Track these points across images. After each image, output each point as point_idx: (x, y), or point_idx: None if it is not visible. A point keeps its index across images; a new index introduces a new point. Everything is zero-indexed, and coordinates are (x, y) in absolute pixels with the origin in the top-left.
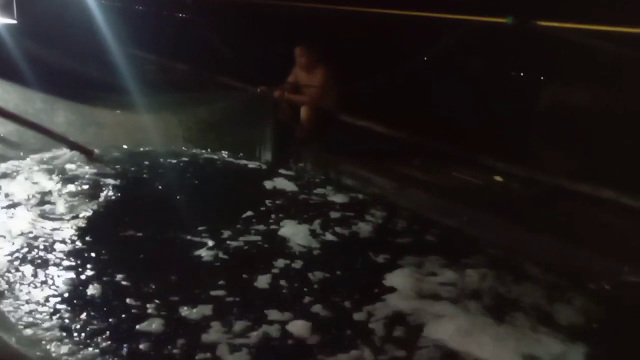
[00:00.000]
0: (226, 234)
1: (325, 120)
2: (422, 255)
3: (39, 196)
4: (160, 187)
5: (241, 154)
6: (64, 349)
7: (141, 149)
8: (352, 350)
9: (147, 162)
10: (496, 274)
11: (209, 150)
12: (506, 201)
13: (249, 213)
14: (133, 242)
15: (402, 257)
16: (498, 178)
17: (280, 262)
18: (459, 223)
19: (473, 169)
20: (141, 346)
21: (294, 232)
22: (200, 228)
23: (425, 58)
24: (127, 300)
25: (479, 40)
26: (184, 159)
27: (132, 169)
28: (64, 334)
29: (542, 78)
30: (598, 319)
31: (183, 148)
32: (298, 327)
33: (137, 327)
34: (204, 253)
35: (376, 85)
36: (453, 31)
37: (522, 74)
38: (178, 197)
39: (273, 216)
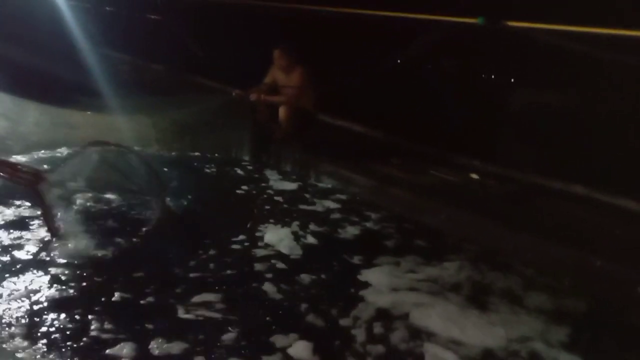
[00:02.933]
0: (204, 237)
1: (304, 121)
2: (401, 253)
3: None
4: (132, 189)
5: (218, 156)
6: None
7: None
8: (340, 347)
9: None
10: (474, 268)
11: (184, 152)
12: (483, 199)
13: (228, 215)
14: (106, 247)
15: (381, 256)
16: (474, 176)
17: (261, 265)
18: (438, 221)
19: (450, 168)
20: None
21: (274, 233)
22: (176, 231)
23: (401, 59)
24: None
25: (453, 40)
26: (159, 161)
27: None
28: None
29: (514, 79)
30: (573, 308)
31: (157, 151)
32: (284, 333)
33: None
34: (180, 257)
35: (354, 85)
36: (427, 31)
37: (495, 75)
38: (151, 200)
39: (253, 218)
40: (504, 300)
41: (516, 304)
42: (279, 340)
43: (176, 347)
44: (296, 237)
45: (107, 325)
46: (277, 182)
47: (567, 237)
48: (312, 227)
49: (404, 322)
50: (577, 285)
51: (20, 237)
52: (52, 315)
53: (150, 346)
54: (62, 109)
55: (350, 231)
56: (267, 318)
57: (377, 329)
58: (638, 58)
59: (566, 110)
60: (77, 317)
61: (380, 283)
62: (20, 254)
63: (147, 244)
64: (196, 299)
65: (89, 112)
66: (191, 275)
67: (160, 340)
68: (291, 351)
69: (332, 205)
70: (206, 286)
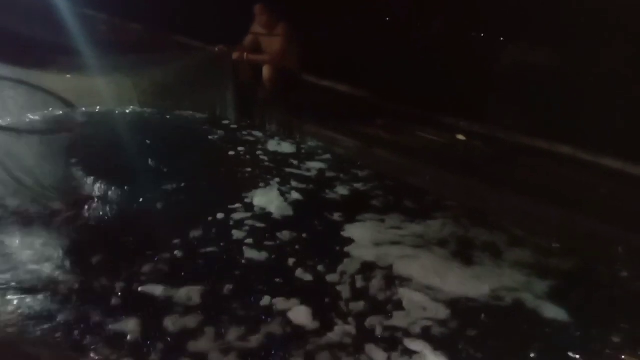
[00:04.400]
0: (189, 199)
1: (288, 81)
2: (386, 211)
3: None
4: (116, 150)
5: (201, 117)
6: None
7: (97, 110)
8: (327, 301)
9: (102, 126)
10: (459, 225)
11: (166, 113)
12: (468, 159)
13: (213, 177)
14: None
15: (366, 214)
16: (461, 137)
17: (247, 227)
18: (423, 181)
19: (436, 129)
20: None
21: (259, 194)
22: (161, 193)
23: (387, 17)
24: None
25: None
26: (141, 122)
27: (88, 133)
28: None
29: (501, 38)
30: (557, 264)
31: (138, 111)
32: (272, 290)
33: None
34: (165, 217)
35: (339, 43)
36: None
37: (482, 34)
38: (136, 162)
39: (239, 180)
40: (488, 255)
41: (500, 259)
42: (266, 297)
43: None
44: (284, 198)
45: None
46: (262, 143)
47: (552, 196)
48: (299, 187)
49: (388, 273)
50: (561, 242)
51: None
52: None
53: (140, 312)
54: (40, 71)
55: (336, 191)
56: (255, 276)
57: (362, 281)
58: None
59: (553, 70)
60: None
61: (365, 239)
62: None
63: (125, 197)
64: (184, 262)
65: (67, 75)
66: (176, 239)
67: (152, 310)
68: (280, 306)
69: (317, 165)
70: (194, 249)
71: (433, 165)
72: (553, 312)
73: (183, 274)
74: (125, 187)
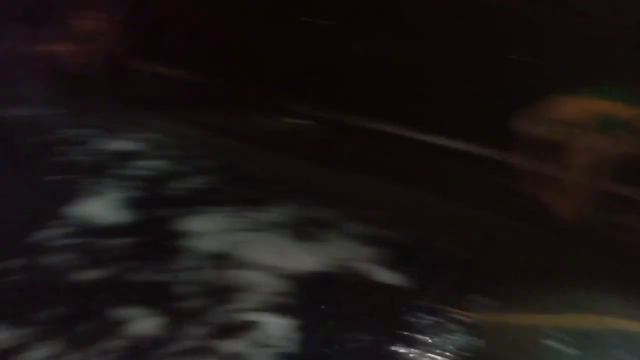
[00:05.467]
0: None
1: (111, 68)
2: (229, 200)
3: None
4: None
5: (16, 110)
6: None
7: None
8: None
9: None
10: (300, 207)
11: None
12: (307, 142)
13: (27, 189)
14: None
15: (209, 206)
16: (301, 121)
17: (63, 228)
18: (264, 167)
19: (278, 115)
20: None
21: (90, 203)
22: None
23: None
24: None
25: None
26: None
27: None
28: None
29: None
30: (390, 235)
31: None
32: (119, 305)
33: None
34: None
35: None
36: None
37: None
38: None
39: (62, 185)
40: (330, 231)
41: (341, 233)
42: (107, 307)
43: None
44: (117, 202)
45: None
46: (88, 140)
47: (386, 172)
48: (133, 186)
49: (232, 260)
50: (394, 214)
51: None
52: None
53: None
54: None
55: (175, 184)
56: (95, 294)
57: (207, 271)
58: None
59: (395, 58)
60: None
61: (208, 230)
62: None
63: None
64: None
65: None
66: None
67: None
68: (127, 318)
69: (152, 155)
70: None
71: (274, 150)
72: (387, 277)
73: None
74: None
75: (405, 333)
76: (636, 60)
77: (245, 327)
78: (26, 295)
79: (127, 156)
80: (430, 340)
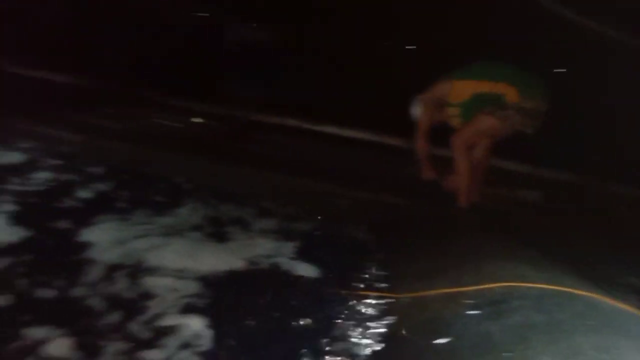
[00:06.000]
0: None
1: None
2: (127, 207)
3: None
4: None
5: None
6: None
7: None
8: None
9: None
10: (207, 207)
11: None
12: (206, 140)
13: None
14: None
15: (107, 215)
16: (197, 119)
17: None
18: (163, 169)
19: (170, 113)
20: None
21: None
22: None
23: None
24: None
25: None
26: None
27: None
28: None
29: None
30: (299, 227)
31: None
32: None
33: None
34: None
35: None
36: None
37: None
38: None
39: None
40: (238, 229)
41: (249, 230)
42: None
43: None
44: (6, 219)
45: None
46: None
47: (287, 165)
48: (22, 201)
49: (137, 269)
50: (299, 206)
51: None
52: None
53: None
54: None
55: (65, 195)
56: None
57: (113, 284)
58: None
59: (277, 48)
60: None
61: (107, 241)
62: None
63: None
64: None
65: None
66: None
67: None
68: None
69: (41, 171)
70: None
71: (172, 150)
72: (303, 268)
73: None
74: None
75: (324, 322)
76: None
77: (164, 333)
78: None
79: (10, 169)
80: (350, 327)
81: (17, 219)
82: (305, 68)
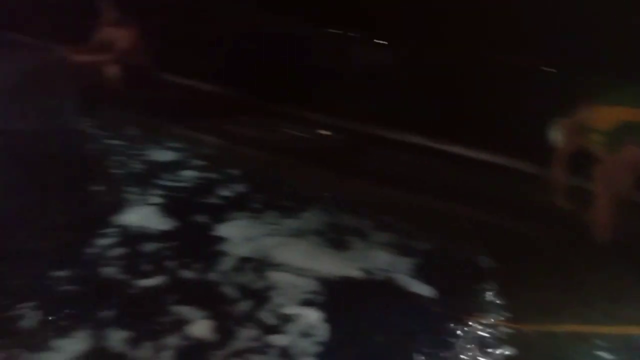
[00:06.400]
0: (49, 209)
1: (143, 80)
2: (257, 208)
3: None
4: None
5: (49, 123)
6: None
7: None
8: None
9: None
10: (328, 215)
11: (8, 119)
12: (332, 152)
13: (71, 185)
14: None
15: (237, 212)
16: (324, 132)
17: (111, 236)
18: (291, 176)
19: (299, 124)
20: None
21: (122, 200)
22: (22, 205)
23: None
24: None
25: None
26: None
27: None
28: None
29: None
30: (415, 243)
31: None
32: (152, 305)
33: None
34: (27, 233)
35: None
36: None
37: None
38: None
39: (94, 186)
40: (357, 239)
41: (367, 241)
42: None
43: None
44: (156, 210)
45: None
46: (120, 149)
47: (407, 182)
48: (160, 190)
49: (266, 263)
50: (417, 224)
51: None
52: None
53: None
54: None
55: (206, 193)
56: (135, 293)
57: (243, 275)
58: None
59: (398, 67)
60: None
61: (239, 235)
62: None
63: None
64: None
65: None
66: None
67: None
68: (166, 318)
69: (181, 166)
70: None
71: (300, 159)
72: (418, 286)
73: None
74: None
75: (436, 343)
76: None
77: (287, 321)
78: (82, 303)
79: (162, 166)
80: (463, 351)
81: (165, 210)
82: (433, 87)
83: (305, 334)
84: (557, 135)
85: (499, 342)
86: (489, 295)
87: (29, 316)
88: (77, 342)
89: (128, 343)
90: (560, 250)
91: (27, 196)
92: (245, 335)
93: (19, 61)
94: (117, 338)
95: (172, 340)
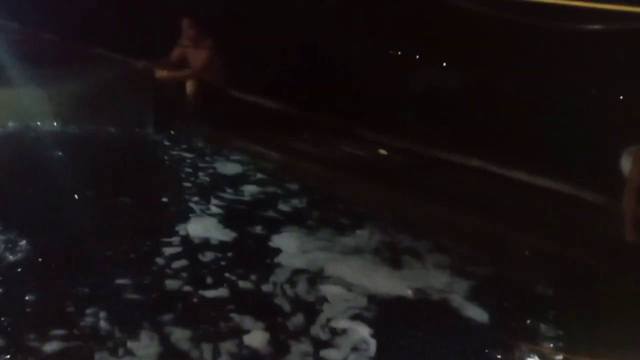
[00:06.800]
0: (119, 217)
1: (213, 96)
2: (314, 222)
3: None
4: (37, 168)
5: (123, 132)
6: None
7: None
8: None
9: (17, 142)
10: (384, 233)
11: (85, 127)
12: (390, 171)
13: (140, 194)
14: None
15: (293, 226)
16: (382, 151)
17: (175, 245)
18: (348, 193)
19: (358, 143)
20: None
21: (187, 210)
22: (92, 212)
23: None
24: None
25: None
26: (58, 139)
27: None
28: None
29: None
30: (473, 267)
31: (56, 125)
32: (213, 311)
33: None
34: (97, 240)
35: (265, 60)
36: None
37: (398, 53)
38: (60, 180)
39: (163, 195)
40: (412, 259)
41: (423, 262)
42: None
43: None
44: (208, 211)
45: None
46: (187, 158)
47: (465, 205)
48: (224, 201)
49: (319, 276)
50: (475, 248)
51: None
52: None
53: None
54: None
55: (264, 205)
56: (197, 301)
57: (296, 285)
58: None
59: (462, 89)
60: None
61: (295, 248)
62: None
63: (55, 222)
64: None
65: None
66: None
67: None
68: (224, 326)
69: (244, 179)
70: (119, 263)
71: (357, 178)
72: (473, 310)
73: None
74: (42, 219)
75: None
76: None
77: (338, 334)
78: (146, 310)
79: (226, 179)
80: None
81: (226, 221)
82: (498, 111)
83: (356, 349)
84: (627, 163)
85: None
86: (545, 324)
87: (97, 321)
88: (143, 346)
89: (188, 345)
90: (624, 284)
91: (96, 204)
92: (298, 349)
93: (98, 73)
94: (178, 339)
95: (229, 347)
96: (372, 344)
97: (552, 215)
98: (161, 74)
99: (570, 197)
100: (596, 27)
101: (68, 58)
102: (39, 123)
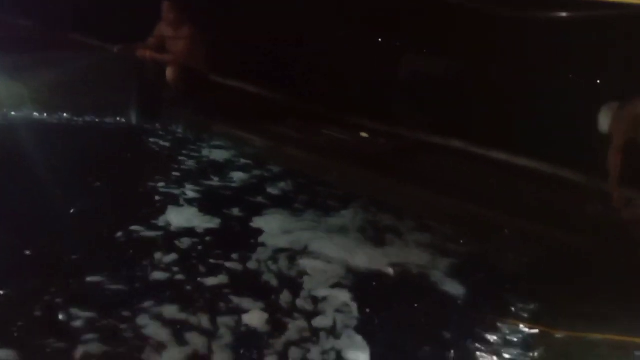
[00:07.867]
0: (100, 203)
1: (194, 81)
2: (297, 205)
3: None
4: (16, 157)
5: (103, 118)
6: None
7: None
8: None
9: None
10: (367, 214)
11: (65, 114)
12: (372, 155)
13: (122, 182)
14: None
15: (277, 209)
16: (364, 134)
17: (159, 226)
18: (332, 177)
19: (341, 127)
20: None
21: (167, 194)
22: (71, 202)
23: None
24: None
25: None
26: (34, 128)
27: None
28: None
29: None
30: (454, 246)
31: (34, 113)
32: (199, 292)
33: None
34: (78, 231)
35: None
36: None
37: (380, 40)
38: (39, 170)
39: (146, 183)
40: (394, 237)
41: (405, 241)
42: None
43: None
44: (188, 196)
45: None
46: (168, 143)
47: (447, 186)
48: (205, 185)
49: (303, 253)
50: (457, 227)
51: None
52: None
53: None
54: None
55: (246, 188)
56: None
57: (280, 262)
58: None
59: (445, 76)
60: None
61: (278, 229)
62: None
63: (33, 212)
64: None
65: None
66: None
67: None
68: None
69: (226, 164)
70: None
71: (341, 161)
72: (452, 286)
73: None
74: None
75: (466, 344)
76: None
77: (320, 302)
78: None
79: (212, 164)
80: (489, 352)
81: (211, 206)
82: (479, 94)
83: (340, 311)
84: (605, 120)
85: (529, 345)
86: (524, 300)
87: (82, 313)
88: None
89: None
90: (605, 261)
91: (77, 193)
92: (296, 328)
93: (78, 59)
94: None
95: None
96: (354, 306)
97: (532, 195)
98: (142, 53)
99: (551, 176)
100: (570, 14)
101: (45, 45)
102: (13, 113)
